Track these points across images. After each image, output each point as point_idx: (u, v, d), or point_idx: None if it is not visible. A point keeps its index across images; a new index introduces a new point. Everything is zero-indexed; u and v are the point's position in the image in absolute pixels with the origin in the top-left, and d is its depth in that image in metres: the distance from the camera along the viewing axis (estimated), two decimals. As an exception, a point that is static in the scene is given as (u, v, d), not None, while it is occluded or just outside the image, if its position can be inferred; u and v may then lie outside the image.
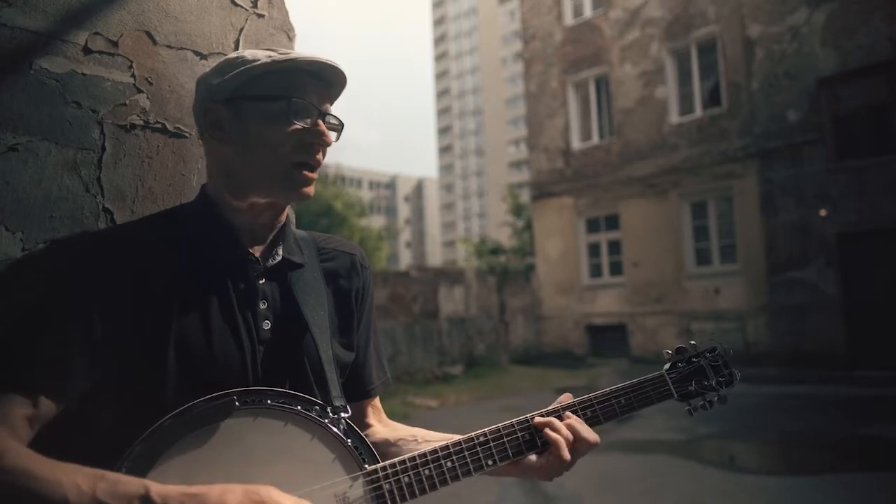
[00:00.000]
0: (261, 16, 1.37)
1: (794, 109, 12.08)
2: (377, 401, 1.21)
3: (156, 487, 0.77)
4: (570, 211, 15.82)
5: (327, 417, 0.92)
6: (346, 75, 1.01)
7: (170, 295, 0.93)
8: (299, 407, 0.90)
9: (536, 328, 16.02)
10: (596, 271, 15.62)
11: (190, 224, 1.00)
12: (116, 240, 0.97)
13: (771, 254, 12.30)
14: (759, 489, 5.27)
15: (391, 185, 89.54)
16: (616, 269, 15.13)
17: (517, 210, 25.79)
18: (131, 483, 0.77)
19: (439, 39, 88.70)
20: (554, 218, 16.17)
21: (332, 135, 1.02)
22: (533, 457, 1.04)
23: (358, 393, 1.15)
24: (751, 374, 10.26)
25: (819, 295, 11.59)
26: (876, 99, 11.32)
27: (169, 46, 1.22)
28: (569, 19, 16.18)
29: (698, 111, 13.88)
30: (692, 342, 1.20)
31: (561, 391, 1.14)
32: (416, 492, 0.93)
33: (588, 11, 15.85)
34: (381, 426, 1.19)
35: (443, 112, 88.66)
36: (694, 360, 1.18)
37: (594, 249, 15.66)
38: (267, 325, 0.99)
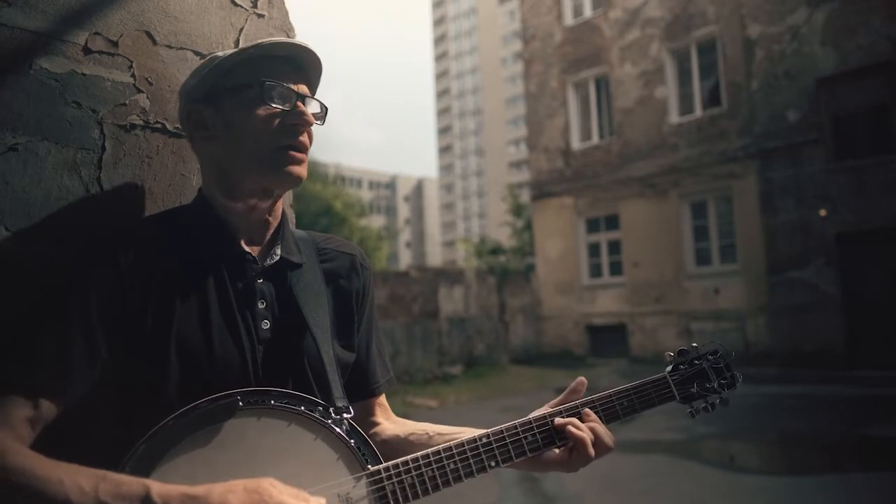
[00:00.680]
0: (261, 16, 1.37)
1: (794, 109, 12.08)
2: (383, 398, 1.21)
3: (157, 488, 0.77)
4: (570, 211, 15.83)
5: (330, 418, 0.92)
6: (320, 56, 1.02)
7: (169, 295, 0.93)
8: (302, 407, 0.90)
9: (536, 328, 16.02)
10: (596, 271, 15.62)
11: (187, 224, 1.01)
12: (116, 241, 0.97)
13: (771, 254, 12.30)
14: (759, 489, 5.27)
15: (391, 185, 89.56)
16: (616, 269, 15.13)
17: (517, 210, 25.80)
18: (133, 484, 0.77)
19: (439, 39, 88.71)
20: (554, 218, 16.17)
21: (318, 120, 1.03)
22: (555, 451, 1.04)
23: (364, 392, 1.15)
24: (751, 374, 10.27)
25: (819, 295, 11.59)
26: (875, 99, 11.32)
27: (169, 46, 1.22)
28: (569, 19, 16.19)
29: (698, 111, 13.88)
30: (694, 344, 1.20)
31: (561, 391, 1.14)
32: (419, 492, 0.92)
33: (588, 11, 15.86)
34: (390, 424, 1.19)
35: (443, 112, 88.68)
36: (696, 362, 1.19)
37: (594, 249, 15.67)
38: (266, 324, 0.99)
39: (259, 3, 1.37)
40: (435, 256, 79.22)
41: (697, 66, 13.91)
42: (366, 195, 73.49)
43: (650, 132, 14.30)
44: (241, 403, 0.86)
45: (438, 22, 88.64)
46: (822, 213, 11.57)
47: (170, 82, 1.21)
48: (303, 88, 1.01)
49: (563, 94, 16.04)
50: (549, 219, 16.33)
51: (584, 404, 1.08)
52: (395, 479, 0.92)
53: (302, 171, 1.01)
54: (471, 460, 0.97)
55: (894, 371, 9.95)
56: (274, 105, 0.97)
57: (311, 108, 1.03)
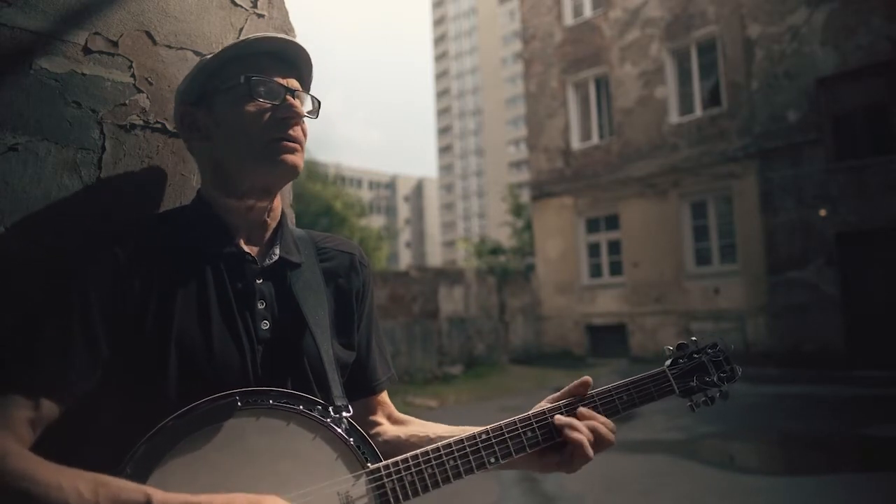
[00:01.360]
0: (261, 16, 1.37)
1: (794, 109, 12.08)
2: (385, 396, 1.21)
3: (158, 496, 0.77)
4: (570, 211, 15.83)
5: (329, 417, 0.92)
6: (308, 51, 1.02)
7: (169, 296, 0.93)
8: (301, 407, 0.91)
9: (536, 328, 16.02)
10: (596, 271, 15.62)
11: (187, 225, 1.01)
12: (116, 241, 0.97)
13: (770, 254, 12.30)
14: (759, 489, 5.27)
15: (391, 185, 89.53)
16: (616, 269, 15.13)
17: (517, 210, 25.81)
18: (134, 491, 0.77)
19: (439, 39, 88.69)
20: (554, 218, 16.17)
21: (311, 114, 1.03)
22: (554, 452, 1.04)
23: (364, 390, 1.15)
24: (750, 374, 10.27)
25: (818, 295, 11.59)
26: (875, 99, 11.32)
27: (169, 46, 1.22)
28: (569, 19, 16.19)
29: (698, 111, 13.88)
30: (693, 338, 1.20)
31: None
32: (419, 489, 0.93)
33: (588, 11, 15.85)
34: (391, 423, 1.19)
35: (443, 112, 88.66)
36: (695, 356, 1.18)
37: (594, 249, 15.67)
38: (265, 324, 0.99)
39: (259, 3, 1.37)
40: (435, 256, 79.20)
41: (697, 66, 13.91)
42: (366, 195, 73.48)
43: (650, 132, 14.30)
44: (240, 403, 0.86)
45: (438, 22, 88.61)
46: (822, 213, 11.57)
47: (170, 82, 1.21)
48: (293, 83, 1.01)
49: (563, 94, 16.04)
50: (549, 219, 16.33)
51: (584, 400, 1.07)
52: (394, 477, 0.92)
53: (297, 160, 1.00)
54: (470, 457, 0.97)
55: (894, 371, 9.95)
56: (262, 100, 0.98)
57: (304, 102, 1.03)
